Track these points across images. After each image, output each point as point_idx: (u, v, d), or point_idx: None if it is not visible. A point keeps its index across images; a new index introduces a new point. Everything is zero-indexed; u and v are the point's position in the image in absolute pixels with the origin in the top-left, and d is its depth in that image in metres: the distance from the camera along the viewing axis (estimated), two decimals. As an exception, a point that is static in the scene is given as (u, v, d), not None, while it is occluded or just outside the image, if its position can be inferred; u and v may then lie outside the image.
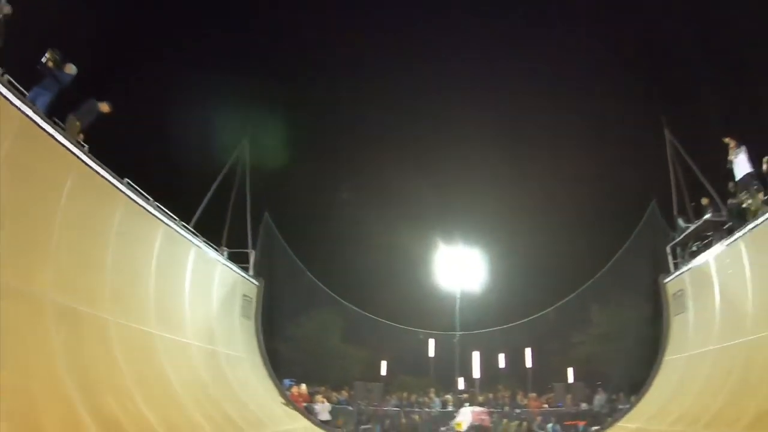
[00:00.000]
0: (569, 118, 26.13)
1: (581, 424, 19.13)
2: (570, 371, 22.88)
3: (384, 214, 26.49)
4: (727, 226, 14.44)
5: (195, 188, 18.87)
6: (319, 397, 19.67)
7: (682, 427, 12.24)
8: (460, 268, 23.77)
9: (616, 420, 16.88)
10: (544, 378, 23.27)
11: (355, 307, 25.06)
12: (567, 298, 24.11)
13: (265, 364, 18.82)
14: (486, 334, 24.53)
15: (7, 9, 8.06)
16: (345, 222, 27.06)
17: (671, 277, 17.07)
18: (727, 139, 13.90)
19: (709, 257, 14.88)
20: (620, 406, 18.57)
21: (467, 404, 19.81)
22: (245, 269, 19.03)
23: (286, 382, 20.16)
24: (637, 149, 23.11)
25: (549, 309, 24.49)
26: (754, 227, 12.66)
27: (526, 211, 26.22)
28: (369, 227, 26.55)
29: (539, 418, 19.82)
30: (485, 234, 25.41)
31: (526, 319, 24.70)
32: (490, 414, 19.28)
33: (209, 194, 18.40)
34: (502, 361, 24.01)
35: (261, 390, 16.97)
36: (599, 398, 19.95)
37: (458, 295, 23.35)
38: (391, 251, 26.41)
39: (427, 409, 21.36)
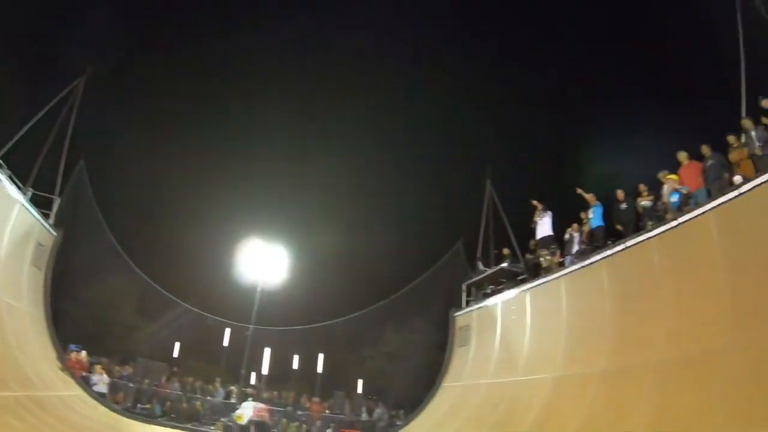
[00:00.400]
0: (397, 137, 26.51)
1: (356, 432, 19.14)
2: (360, 382, 23.20)
3: (200, 197, 25.15)
4: (520, 277, 15.40)
5: (18, 117, 16.07)
6: (98, 368, 17.73)
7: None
8: (266, 262, 22.56)
9: (390, 436, 16.91)
10: (335, 385, 23.27)
11: (154, 283, 23.14)
12: (359, 312, 24.48)
13: (48, 321, 16.31)
14: (282, 333, 23.92)
15: None
16: (161, 194, 25.08)
17: (461, 312, 17.95)
18: (535, 202, 14.96)
19: (498, 301, 15.84)
20: (398, 422, 19.07)
21: (251, 399, 18.76)
22: (46, 216, 16.41)
23: (72, 346, 17.82)
24: (461, 190, 23.98)
25: (341, 318, 24.63)
26: (542, 283, 13.82)
27: (340, 221, 26.14)
28: (184, 206, 25.00)
29: (319, 423, 19.56)
30: (297, 235, 24.79)
31: (318, 324, 24.58)
32: (271, 412, 18.47)
33: (27, 126, 15.80)
34: (296, 362, 23.69)
35: (38, 349, 14.65)
36: (379, 411, 20.26)
37: (260, 289, 22.07)
38: (201, 234, 25.07)
39: (209, 398, 20.06)
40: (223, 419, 18.30)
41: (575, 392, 10.87)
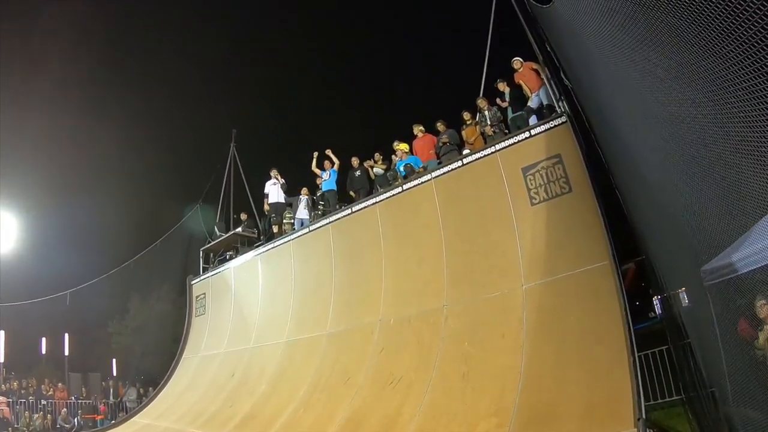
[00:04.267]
0: (141, 100, 22.53)
1: (98, 417, 15.96)
2: (114, 362, 19.76)
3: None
4: (258, 244, 13.88)
5: None
6: None
7: (183, 425, 10.97)
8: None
9: (132, 416, 14.28)
10: (89, 367, 19.45)
11: None
12: (98, 278, 19.66)
13: None
14: (19, 313, 18.45)
15: None
16: None
17: (198, 280, 15.71)
18: (273, 171, 13.50)
19: (232, 267, 14.17)
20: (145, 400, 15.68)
21: None
22: None
23: None
24: (205, 151, 21.35)
25: (80, 286, 19.49)
26: (272, 248, 12.57)
27: (77, 185, 21.24)
28: None
29: (64, 411, 15.56)
30: (28, 199, 19.35)
31: (55, 295, 19.25)
32: (10, 404, 14.81)
33: None
34: (44, 345, 19.34)
35: None
36: (129, 392, 16.64)
37: None
38: None
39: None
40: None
41: (305, 355, 10.05)
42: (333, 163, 12.20)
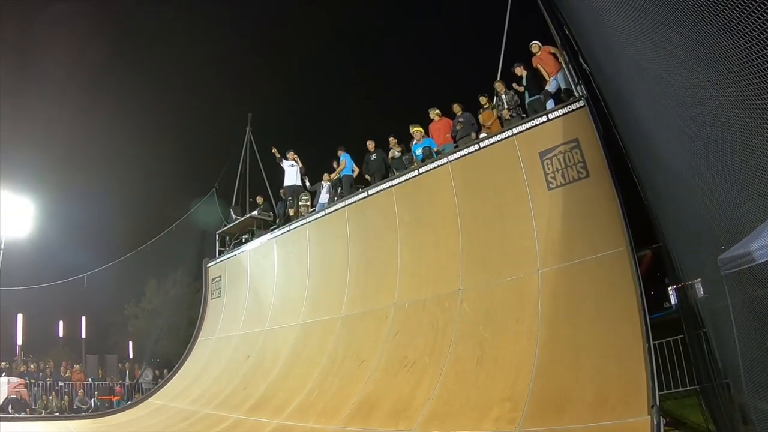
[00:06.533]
0: (157, 86, 22.58)
1: (114, 398, 16.28)
2: (130, 345, 20.30)
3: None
4: (274, 227, 14.02)
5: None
6: None
7: (199, 407, 11.16)
8: (8, 214, 17.19)
9: (147, 397, 14.59)
10: (105, 350, 19.73)
11: None
12: (115, 261, 19.88)
13: None
14: (37, 296, 18.62)
15: None
16: None
17: (214, 263, 15.91)
18: (291, 153, 13.54)
19: (248, 250, 14.35)
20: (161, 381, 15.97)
21: (4, 374, 14.86)
22: None
23: None
24: (221, 135, 21.40)
25: (98, 269, 19.66)
26: (288, 231, 12.71)
27: (94, 167, 21.53)
28: None
29: (81, 392, 15.81)
30: (41, 179, 19.65)
31: (71, 279, 19.36)
32: (28, 386, 14.92)
33: None
34: (61, 328, 19.61)
35: None
36: (144, 374, 17.01)
37: (2, 246, 16.73)
38: None
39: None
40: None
41: (320, 338, 10.16)
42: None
